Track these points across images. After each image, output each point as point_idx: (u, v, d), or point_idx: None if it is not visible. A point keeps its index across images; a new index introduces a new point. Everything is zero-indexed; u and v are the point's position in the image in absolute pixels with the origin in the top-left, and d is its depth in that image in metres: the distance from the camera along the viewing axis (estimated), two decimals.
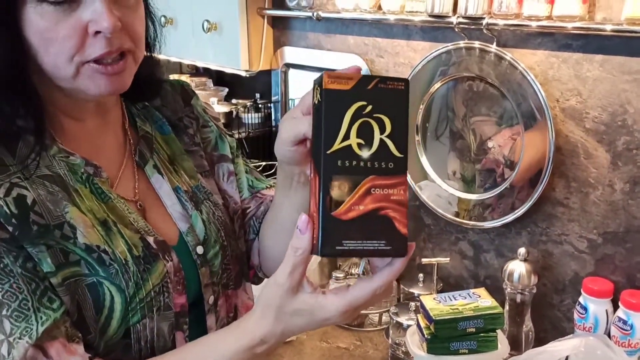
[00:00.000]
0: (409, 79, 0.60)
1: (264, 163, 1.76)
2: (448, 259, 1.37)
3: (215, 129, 0.89)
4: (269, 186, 0.92)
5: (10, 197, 0.64)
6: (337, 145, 0.55)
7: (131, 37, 0.67)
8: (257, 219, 0.89)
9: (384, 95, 0.56)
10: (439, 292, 1.35)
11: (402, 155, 0.56)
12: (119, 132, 0.79)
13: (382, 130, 0.56)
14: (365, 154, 0.55)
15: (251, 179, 0.91)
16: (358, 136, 0.55)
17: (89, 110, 0.74)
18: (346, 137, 0.55)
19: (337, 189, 0.55)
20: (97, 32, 0.63)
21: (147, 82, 0.77)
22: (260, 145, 1.86)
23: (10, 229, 0.63)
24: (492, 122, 1.27)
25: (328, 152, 0.55)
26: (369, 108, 0.56)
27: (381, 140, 0.56)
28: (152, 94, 0.82)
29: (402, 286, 1.40)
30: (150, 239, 0.72)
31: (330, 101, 0.55)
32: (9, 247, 0.63)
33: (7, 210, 0.63)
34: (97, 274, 0.67)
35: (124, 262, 0.68)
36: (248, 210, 0.89)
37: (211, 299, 0.78)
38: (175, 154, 0.83)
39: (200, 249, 0.77)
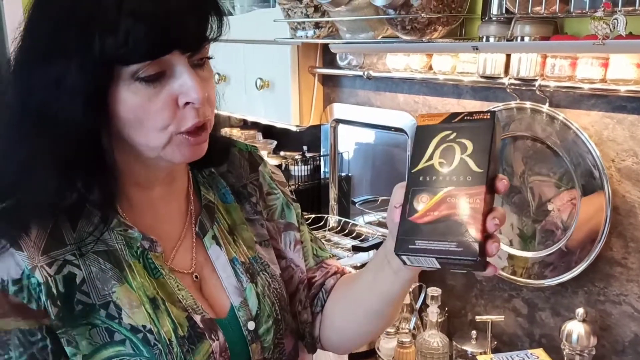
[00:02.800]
0: (495, 111, 0.64)
1: (313, 215, 1.79)
2: (502, 316, 1.35)
3: (282, 196, 0.89)
4: (331, 256, 0.93)
5: (61, 275, 0.65)
6: (420, 165, 0.63)
7: (210, 107, 0.70)
8: (325, 292, 0.88)
9: (469, 124, 0.63)
10: (493, 350, 1.34)
11: (481, 170, 0.60)
12: (182, 201, 0.79)
13: (464, 151, 0.62)
14: (444, 170, 0.62)
15: (316, 248, 0.91)
16: (440, 157, 0.62)
17: (158, 178, 0.75)
18: (430, 158, 0.63)
19: (417, 200, 0.61)
20: (187, 103, 0.66)
21: (216, 147, 0.78)
22: (309, 197, 1.89)
23: (54, 310, 0.64)
24: (551, 183, 1.28)
25: (412, 171, 0.63)
26: (453, 135, 0.63)
27: (461, 159, 0.62)
28: (221, 159, 0.84)
29: (454, 343, 1.39)
30: (197, 318, 0.71)
31: (419, 134, 0.65)
32: (23, 340, 0.64)
33: (55, 291, 0.64)
34: (141, 354, 0.67)
35: (168, 342, 0.68)
36: (314, 280, 0.88)
37: None
38: (235, 224, 0.82)
39: (251, 325, 0.76)
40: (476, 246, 0.58)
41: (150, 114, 0.65)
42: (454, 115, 0.64)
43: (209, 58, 0.70)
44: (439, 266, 0.60)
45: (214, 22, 0.67)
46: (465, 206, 0.59)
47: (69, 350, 0.66)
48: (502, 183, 0.63)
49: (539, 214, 1.31)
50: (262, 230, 0.85)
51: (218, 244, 0.79)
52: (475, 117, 0.64)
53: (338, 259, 1.58)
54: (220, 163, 0.85)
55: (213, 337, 0.72)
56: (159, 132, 0.66)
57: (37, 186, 0.65)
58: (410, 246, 0.60)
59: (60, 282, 0.65)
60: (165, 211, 0.77)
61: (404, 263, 0.63)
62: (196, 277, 0.76)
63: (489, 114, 0.64)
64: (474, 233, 0.58)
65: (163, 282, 0.71)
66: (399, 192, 0.66)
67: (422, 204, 0.61)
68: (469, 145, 0.62)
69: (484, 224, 0.59)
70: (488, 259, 0.61)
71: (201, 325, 0.71)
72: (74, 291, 0.65)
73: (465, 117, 0.64)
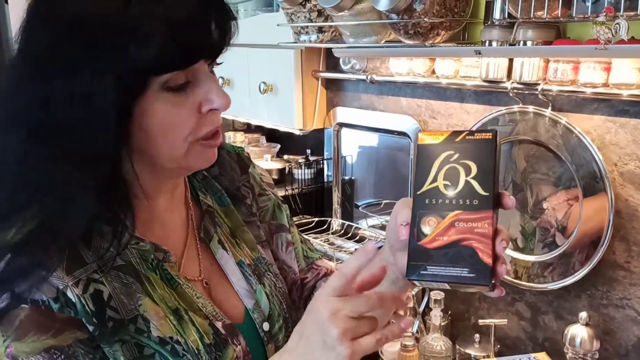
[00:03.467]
0: (496, 130, 0.66)
1: (316, 219, 1.80)
2: (505, 320, 1.36)
3: (273, 197, 0.90)
4: (320, 257, 0.93)
5: (88, 293, 0.63)
6: (425, 187, 0.63)
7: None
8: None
9: (472, 144, 0.64)
10: (496, 354, 1.34)
11: (487, 194, 0.61)
12: (182, 208, 0.79)
13: (468, 173, 0.62)
14: (450, 193, 0.62)
15: (305, 249, 0.92)
16: (444, 179, 0.63)
17: (163, 189, 0.74)
18: (434, 180, 0.63)
19: (425, 223, 0.62)
20: (211, 110, 0.66)
21: None
22: (313, 201, 1.90)
23: (91, 328, 0.63)
24: (552, 186, 1.28)
25: (418, 193, 0.64)
26: (456, 156, 0.63)
27: (466, 182, 0.62)
28: None
29: (458, 346, 1.39)
30: (219, 324, 0.72)
31: (421, 153, 0.65)
32: (86, 349, 0.63)
33: (88, 309, 0.63)
34: None
35: (196, 351, 0.68)
36: (306, 281, 0.89)
37: None
38: (235, 226, 0.82)
39: (266, 326, 0.77)
40: (488, 272, 0.59)
41: (177, 124, 0.65)
42: (456, 133, 0.65)
43: (220, 63, 0.70)
44: (449, 288, 0.61)
45: (231, 27, 0.68)
46: (474, 231, 0.60)
47: None
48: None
49: (536, 211, 1.31)
50: (259, 232, 0.86)
51: (224, 248, 0.79)
52: (477, 137, 0.64)
53: (341, 262, 1.59)
54: (212, 166, 0.84)
55: (235, 342, 0.72)
56: (182, 142, 0.66)
57: (62, 209, 0.63)
58: (422, 272, 0.61)
59: (89, 301, 0.63)
60: (169, 220, 0.77)
61: (414, 285, 0.63)
62: (206, 283, 0.76)
63: (490, 133, 0.64)
64: (484, 258, 0.59)
65: (182, 291, 0.71)
66: (404, 211, 0.66)
67: (430, 227, 0.62)
68: (473, 167, 0.63)
69: (493, 248, 0.60)
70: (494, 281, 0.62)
71: (223, 332, 0.71)
72: (104, 308, 0.64)
73: (467, 137, 0.64)
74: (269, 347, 0.77)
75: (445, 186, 0.63)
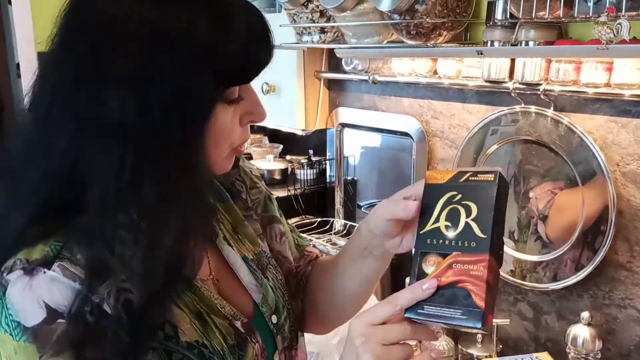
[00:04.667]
0: (500, 172, 0.66)
1: (319, 219, 1.80)
2: (508, 320, 1.36)
3: (264, 189, 0.91)
4: (309, 244, 0.96)
5: (120, 303, 0.61)
6: (428, 227, 0.65)
7: None
8: (305, 279, 0.91)
9: (474, 185, 0.65)
10: (499, 353, 1.34)
11: (484, 236, 0.62)
12: None
13: (468, 214, 0.63)
14: (450, 234, 0.64)
15: (296, 237, 0.94)
16: (446, 219, 0.64)
17: None
18: (436, 220, 0.65)
19: (426, 263, 0.64)
20: (249, 122, 0.68)
21: None
22: (315, 201, 1.90)
23: (127, 339, 0.61)
24: (553, 185, 1.29)
25: (421, 232, 0.66)
26: (459, 197, 0.65)
27: (466, 223, 0.63)
28: None
29: (460, 346, 1.39)
30: (238, 324, 0.72)
31: (427, 193, 0.67)
32: (124, 357, 0.61)
33: (122, 320, 0.61)
34: None
35: (221, 353, 0.68)
36: (299, 269, 0.91)
37: None
38: (236, 222, 0.83)
39: (274, 318, 0.78)
40: (480, 315, 0.60)
41: (231, 134, 0.66)
42: (461, 173, 0.66)
43: None
44: (446, 327, 0.63)
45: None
46: (469, 273, 0.61)
47: None
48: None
49: (524, 200, 1.31)
50: (257, 225, 0.86)
51: (229, 244, 0.79)
52: (480, 178, 0.65)
53: None
54: None
55: (253, 340, 0.73)
56: (225, 152, 0.68)
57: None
58: (419, 310, 0.63)
59: (122, 311, 0.61)
60: None
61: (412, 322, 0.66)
62: (217, 280, 0.76)
63: (492, 174, 0.65)
64: (477, 301, 0.60)
65: (200, 294, 0.70)
66: (385, 205, 0.71)
67: (430, 267, 0.64)
68: (474, 208, 0.63)
69: (487, 291, 0.61)
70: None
71: (243, 331, 0.72)
72: (136, 317, 0.62)
73: (471, 177, 0.65)
74: (278, 338, 0.78)
75: (447, 227, 0.64)
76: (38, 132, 0.63)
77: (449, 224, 0.64)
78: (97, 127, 0.59)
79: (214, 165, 0.68)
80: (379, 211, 0.73)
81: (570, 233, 1.25)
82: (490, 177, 0.64)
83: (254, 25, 0.64)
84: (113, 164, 0.59)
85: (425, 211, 0.66)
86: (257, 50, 0.64)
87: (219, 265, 0.78)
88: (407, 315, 0.63)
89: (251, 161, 2.08)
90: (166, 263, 0.62)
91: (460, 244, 0.63)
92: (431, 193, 0.67)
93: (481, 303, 0.60)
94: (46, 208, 0.62)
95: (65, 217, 0.61)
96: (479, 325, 0.60)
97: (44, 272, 0.59)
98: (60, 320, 0.59)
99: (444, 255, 0.63)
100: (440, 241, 0.64)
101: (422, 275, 0.64)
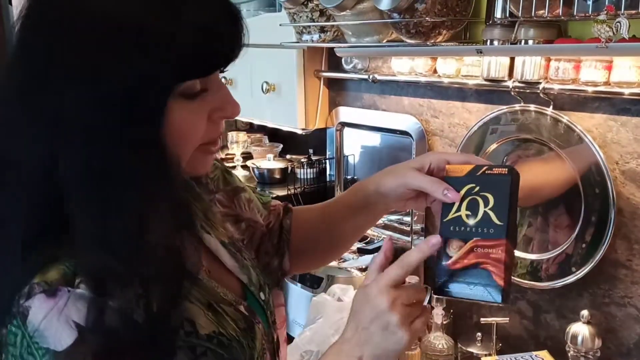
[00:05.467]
0: (513, 167, 0.74)
1: None
2: (507, 318, 1.36)
3: (218, 164, 0.90)
4: (271, 198, 0.98)
5: (141, 310, 0.60)
6: (450, 216, 0.73)
7: None
8: (287, 232, 0.94)
9: (490, 179, 0.73)
10: (498, 352, 1.35)
11: (501, 223, 0.70)
12: None
13: (486, 204, 0.71)
14: (471, 222, 0.72)
15: (259, 197, 0.95)
16: (467, 209, 0.72)
17: None
18: (458, 210, 0.73)
19: (449, 247, 0.72)
20: (220, 117, 0.65)
21: None
22: (315, 200, 1.89)
23: (154, 345, 0.61)
24: (552, 184, 1.29)
25: (444, 220, 0.73)
26: (477, 189, 0.73)
27: (485, 212, 0.71)
28: None
29: (460, 345, 1.39)
30: (242, 308, 0.73)
31: (449, 183, 0.75)
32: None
33: (145, 326, 0.60)
34: (222, 358, 0.67)
35: (237, 339, 0.69)
36: (271, 225, 0.93)
37: (275, 337, 0.82)
38: (205, 209, 0.82)
39: (262, 295, 0.80)
40: (500, 291, 0.68)
41: (190, 131, 0.63)
42: (478, 168, 0.74)
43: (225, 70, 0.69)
44: (469, 301, 0.72)
45: (244, 37, 0.66)
46: (489, 256, 0.69)
47: None
48: None
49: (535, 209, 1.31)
50: (217, 208, 0.86)
51: (207, 232, 0.79)
52: (495, 172, 0.73)
53: (344, 261, 1.60)
54: None
55: (256, 320, 0.75)
56: (191, 149, 0.65)
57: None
58: (445, 289, 0.72)
59: (146, 318, 0.60)
60: None
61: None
62: (209, 271, 0.76)
63: (506, 169, 0.73)
64: (497, 280, 0.68)
65: (203, 286, 0.71)
66: (412, 175, 0.79)
67: (453, 251, 0.71)
68: (491, 199, 0.71)
69: (505, 270, 0.69)
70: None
71: (247, 314, 0.74)
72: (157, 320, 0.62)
73: (487, 171, 0.73)
74: (268, 314, 0.80)
75: (467, 216, 0.72)
76: (8, 140, 0.60)
77: (469, 213, 0.72)
78: (64, 129, 0.57)
79: (184, 165, 0.65)
80: (401, 178, 0.80)
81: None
82: (504, 170, 0.73)
83: (209, 14, 0.60)
84: (85, 167, 0.57)
85: (447, 202, 0.74)
86: (210, 42, 0.60)
87: (205, 254, 0.78)
88: (436, 294, 0.72)
89: (251, 160, 2.10)
90: (164, 261, 0.61)
91: (480, 231, 0.70)
92: (452, 184, 0.75)
93: (501, 282, 0.68)
94: (34, 226, 0.59)
95: (56, 233, 0.59)
96: (499, 300, 0.68)
97: (68, 291, 0.57)
98: (92, 338, 0.57)
99: (466, 241, 0.71)
100: (462, 228, 0.72)
101: (446, 258, 0.72)
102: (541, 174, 1.29)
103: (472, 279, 0.70)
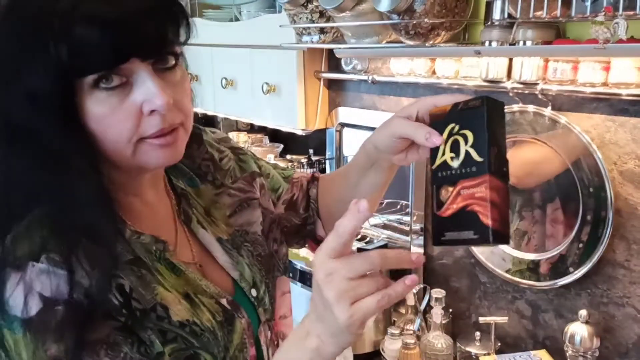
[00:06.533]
0: (487, 96, 0.69)
1: None
2: (506, 318, 1.36)
3: (230, 153, 0.91)
4: (294, 171, 1.01)
5: (113, 288, 0.65)
6: (437, 162, 0.69)
7: (182, 111, 0.69)
8: (314, 201, 0.97)
9: (467, 114, 0.68)
10: (497, 351, 1.35)
11: (481, 159, 0.65)
12: (165, 197, 0.81)
13: (466, 142, 0.67)
14: (455, 164, 0.68)
15: (280, 172, 0.97)
16: (450, 151, 0.68)
17: (144, 184, 0.76)
18: (443, 154, 0.69)
19: (440, 194, 0.69)
20: (152, 111, 0.65)
21: None
22: None
23: (122, 319, 0.65)
24: (549, 182, 1.29)
25: (432, 168, 0.70)
26: (457, 127, 0.68)
27: (466, 151, 0.67)
28: None
29: (458, 344, 1.40)
30: (224, 301, 0.75)
31: (433, 127, 0.71)
32: (124, 334, 0.65)
33: (116, 302, 0.65)
34: (192, 346, 0.69)
35: (211, 329, 0.71)
36: (295, 198, 0.96)
37: (268, 334, 0.82)
38: (208, 205, 0.84)
39: (254, 292, 0.81)
40: (488, 231, 0.63)
41: (114, 125, 0.65)
42: (455, 105, 0.69)
43: (176, 64, 0.69)
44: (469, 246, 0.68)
45: (176, 26, 0.67)
46: (474, 196, 0.65)
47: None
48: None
49: (536, 209, 1.32)
50: (231, 199, 0.87)
51: (203, 227, 0.81)
52: (470, 105, 0.68)
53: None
54: None
55: (240, 315, 0.76)
56: (125, 143, 0.66)
57: (63, 211, 0.66)
58: (442, 239, 0.68)
59: (117, 294, 0.65)
60: (158, 211, 0.79)
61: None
62: (200, 266, 0.78)
63: (479, 100, 0.67)
64: (484, 219, 0.64)
65: (186, 277, 0.74)
66: (398, 123, 0.76)
67: (444, 198, 0.68)
68: (470, 135, 0.67)
69: (492, 209, 0.64)
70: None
71: (229, 307, 0.75)
72: (129, 299, 0.66)
73: (463, 107, 0.69)
74: (259, 310, 0.81)
75: (452, 158, 0.68)
76: None
77: (454, 155, 0.68)
78: None
79: (124, 157, 0.67)
80: (388, 129, 0.77)
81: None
82: (478, 102, 0.67)
83: (106, 6, 0.61)
84: (12, 165, 0.65)
85: (433, 149, 0.70)
86: (107, 33, 0.60)
87: (199, 249, 0.81)
88: (434, 245, 0.69)
89: None
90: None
91: (463, 172, 0.66)
92: (436, 128, 0.70)
93: (487, 221, 0.63)
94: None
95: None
96: (490, 241, 0.64)
97: (32, 266, 0.62)
98: (57, 308, 0.62)
99: (454, 185, 0.67)
100: (449, 172, 0.68)
101: (439, 206, 0.68)
102: (538, 153, 1.29)
103: (462, 223, 0.66)
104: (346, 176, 0.93)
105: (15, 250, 0.63)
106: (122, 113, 0.64)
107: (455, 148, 0.68)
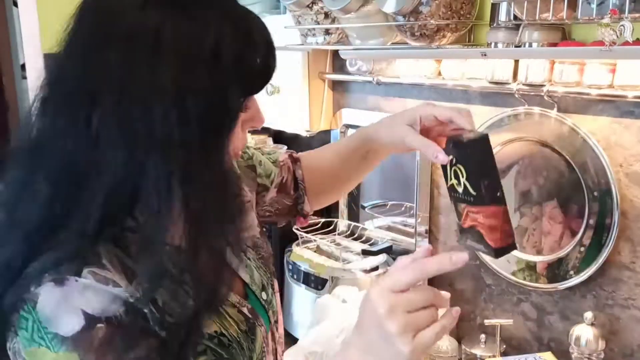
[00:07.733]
0: (471, 134, 0.77)
1: (322, 220, 1.80)
2: (511, 320, 1.36)
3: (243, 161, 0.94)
4: (279, 153, 1.02)
5: (176, 311, 0.64)
6: (448, 183, 0.78)
7: None
8: (302, 182, 1.00)
9: (459, 150, 0.76)
10: (502, 354, 1.35)
11: (475, 193, 0.74)
12: None
13: (462, 174, 0.76)
14: (460, 190, 0.76)
15: (268, 157, 0.98)
16: (454, 178, 0.77)
17: None
18: (449, 178, 0.77)
19: (458, 207, 0.78)
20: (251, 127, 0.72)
21: None
22: None
23: (163, 334, 0.63)
24: (552, 183, 1.29)
25: (447, 185, 0.78)
26: (454, 160, 0.76)
27: (464, 183, 0.76)
28: None
29: (463, 347, 1.40)
30: (245, 310, 0.75)
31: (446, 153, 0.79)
32: (162, 354, 0.62)
33: (156, 316, 0.63)
34: (221, 358, 0.68)
35: (238, 340, 0.71)
36: (284, 181, 0.98)
37: (277, 335, 0.83)
38: None
39: (264, 295, 0.81)
40: (493, 251, 0.75)
41: (237, 141, 0.69)
42: (450, 139, 0.77)
43: None
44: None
45: None
46: (477, 220, 0.75)
47: None
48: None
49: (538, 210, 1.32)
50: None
51: None
52: (460, 141, 0.75)
53: (348, 263, 1.61)
54: None
55: (258, 322, 0.76)
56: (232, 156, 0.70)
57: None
58: (466, 243, 0.78)
59: (153, 308, 0.63)
60: None
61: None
62: None
63: (465, 138, 0.75)
64: (488, 240, 0.74)
65: None
66: (406, 130, 0.83)
67: (461, 211, 0.77)
68: (464, 170, 0.75)
69: (491, 232, 0.73)
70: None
71: (250, 316, 0.75)
72: (164, 313, 0.64)
73: (455, 141, 0.76)
74: (269, 314, 0.81)
75: (456, 184, 0.76)
76: (77, 146, 0.61)
77: (457, 182, 0.76)
78: (146, 141, 0.60)
79: None
80: (396, 132, 0.84)
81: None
82: (465, 139, 0.75)
83: (266, 35, 0.67)
84: (162, 176, 0.60)
85: (444, 171, 0.78)
86: (272, 59, 0.68)
87: None
88: (460, 243, 0.80)
89: None
90: (212, 266, 0.66)
91: (465, 199, 0.75)
92: (447, 153, 0.78)
93: (491, 242, 0.74)
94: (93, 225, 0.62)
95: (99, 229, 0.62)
96: (495, 258, 0.77)
97: (76, 281, 0.60)
98: (99, 325, 0.59)
99: (462, 206, 0.76)
100: (456, 194, 0.77)
101: (459, 216, 0.78)
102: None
103: (475, 236, 0.76)
104: (339, 159, 1.00)
105: (57, 264, 0.60)
106: (239, 130, 0.69)
107: (457, 176, 0.76)
